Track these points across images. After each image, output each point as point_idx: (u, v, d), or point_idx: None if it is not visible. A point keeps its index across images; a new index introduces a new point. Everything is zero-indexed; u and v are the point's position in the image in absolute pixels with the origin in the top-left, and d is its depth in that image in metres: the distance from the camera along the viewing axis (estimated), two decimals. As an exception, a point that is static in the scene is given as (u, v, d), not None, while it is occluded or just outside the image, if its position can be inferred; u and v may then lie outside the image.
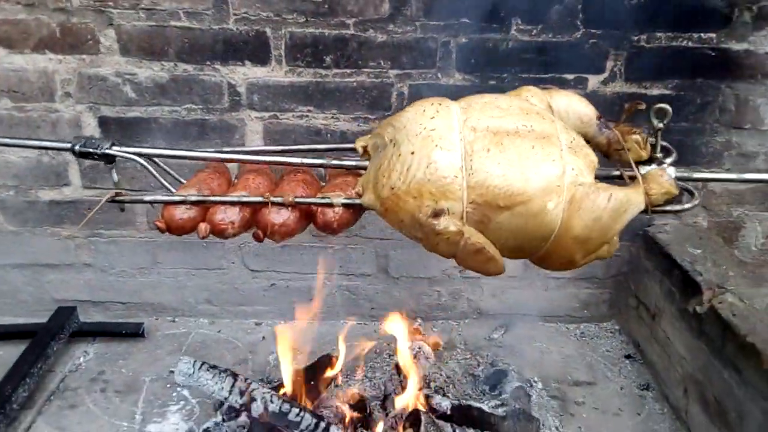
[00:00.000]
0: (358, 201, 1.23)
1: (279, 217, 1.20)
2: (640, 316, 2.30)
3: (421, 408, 1.56)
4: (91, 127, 2.14)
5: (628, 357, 2.31)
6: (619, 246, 1.26)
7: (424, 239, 1.14)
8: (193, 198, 1.22)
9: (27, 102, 2.11)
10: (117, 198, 1.26)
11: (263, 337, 2.36)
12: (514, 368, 2.17)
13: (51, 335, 2.12)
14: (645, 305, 2.26)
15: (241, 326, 2.42)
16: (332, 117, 2.16)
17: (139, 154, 1.27)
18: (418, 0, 2.01)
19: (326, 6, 2.01)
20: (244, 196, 1.23)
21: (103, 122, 2.14)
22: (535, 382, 2.13)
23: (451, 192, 1.09)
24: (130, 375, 2.12)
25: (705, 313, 1.83)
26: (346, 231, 1.29)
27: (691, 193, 1.27)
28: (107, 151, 1.22)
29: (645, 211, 1.18)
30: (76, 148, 1.21)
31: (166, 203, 1.23)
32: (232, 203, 1.23)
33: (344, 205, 1.22)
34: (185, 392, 2.03)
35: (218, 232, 1.20)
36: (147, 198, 1.29)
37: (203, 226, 1.19)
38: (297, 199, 1.21)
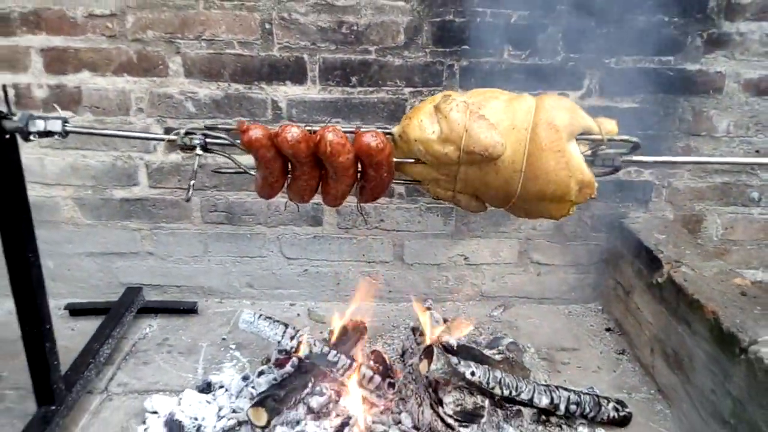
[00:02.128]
0: (389, 129, 1.61)
1: (333, 134, 1.50)
2: (618, 295, 2.70)
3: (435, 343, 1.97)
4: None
5: (608, 330, 2.71)
6: (595, 193, 1.61)
7: (440, 123, 1.49)
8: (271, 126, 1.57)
9: (106, 116, 2.57)
10: (212, 125, 1.63)
11: (298, 314, 2.78)
12: (511, 337, 2.58)
13: (123, 309, 2.55)
14: (621, 285, 2.67)
15: (278, 306, 2.84)
16: (357, 127, 2.60)
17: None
18: (428, 31, 2.47)
19: (353, 36, 2.47)
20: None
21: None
22: (529, 347, 2.52)
23: (454, 95, 1.52)
24: (190, 341, 2.53)
25: (664, 281, 2.25)
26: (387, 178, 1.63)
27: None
28: (205, 132, 1.63)
29: (601, 141, 1.56)
30: (181, 132, 1.62)
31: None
32: (298, 126, 1.53)
33: (379, 129, 1.56)
34: (237, 353, 2.44)
35: (282, 135, 1.49)
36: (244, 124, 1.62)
37: (271, 131, 1.50)
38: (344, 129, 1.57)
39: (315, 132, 1.54)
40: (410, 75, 2.53)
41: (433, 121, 1.51)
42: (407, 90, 2.55)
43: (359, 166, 1.60)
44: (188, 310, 2.72)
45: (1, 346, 2.44)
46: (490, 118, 1.47)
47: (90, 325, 2.50)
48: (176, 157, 2.63)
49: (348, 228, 2.77)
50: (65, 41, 2.47)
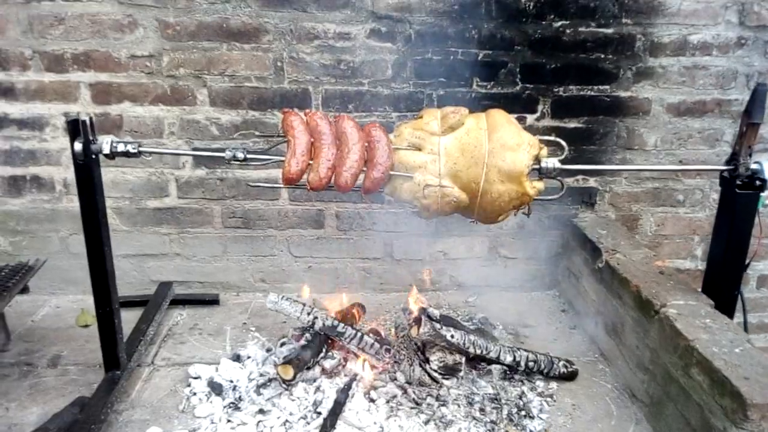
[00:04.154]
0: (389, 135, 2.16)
1: (348, 116, 2.11)
2: (571, 281, 3.26)
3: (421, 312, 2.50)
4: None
5: (563, 311, 3.27)
6: (539, 146, 2.19)
7: (423, 116, 2.17)
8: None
9: (143, 138, 3.06)
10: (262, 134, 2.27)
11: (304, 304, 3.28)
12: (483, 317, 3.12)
13: (160, 299, 3.03)
14: (573, 273, 3.23)
15: (287, 297, 3.34)
16: (353, 145, 3.14)
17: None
18: (411, 66, 3.03)
19: (349, 71, 3.02)
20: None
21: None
22: (498, 325, 3.07)
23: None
24: (216, 326, 3.02)
25: (603, 266, 2.81)
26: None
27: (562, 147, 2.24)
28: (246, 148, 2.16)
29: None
30: (231, 148, 2.15)
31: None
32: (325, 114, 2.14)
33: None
34: (257, 334, 2.94)
35: (312, 112, 2.11)
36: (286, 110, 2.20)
37: (302, 114, 2.12)
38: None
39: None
40: (397, 102, 3.08)
41: (417, 118, 2.15)
42: (395, 114, 3.09)
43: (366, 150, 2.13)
44: (211, 301, 3.22)
45: (57, 333, 2.92)
46: None
47: (130, 315, 2.94)
48: (201, 172, 3.14)
49: (346, 230, 3.29)
50: (110, 77, 2.97)
